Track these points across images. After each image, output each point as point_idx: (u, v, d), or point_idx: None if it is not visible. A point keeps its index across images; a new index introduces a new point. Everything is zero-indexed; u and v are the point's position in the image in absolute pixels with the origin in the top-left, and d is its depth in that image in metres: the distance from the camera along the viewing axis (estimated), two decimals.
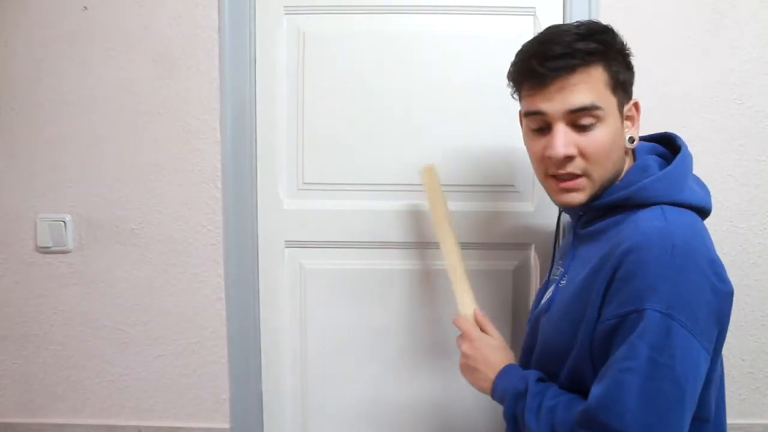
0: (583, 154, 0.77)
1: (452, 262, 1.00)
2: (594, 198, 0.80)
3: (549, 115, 0.78)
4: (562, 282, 0.85)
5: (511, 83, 0.84)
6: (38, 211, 1.23)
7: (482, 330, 0.93)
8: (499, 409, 0.84)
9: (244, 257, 1.24)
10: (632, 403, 0.65)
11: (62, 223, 1.22)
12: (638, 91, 1.18)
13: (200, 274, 1.23)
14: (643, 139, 0.90)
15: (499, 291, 1.25)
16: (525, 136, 0.86)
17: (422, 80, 1.22)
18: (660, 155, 0.85)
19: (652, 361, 0.65)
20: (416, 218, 1.24)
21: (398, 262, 1.25)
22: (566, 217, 0.97)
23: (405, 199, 1.23)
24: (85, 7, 1.20)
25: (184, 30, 1.20)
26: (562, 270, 0.87)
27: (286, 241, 1.26)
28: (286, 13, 1.22)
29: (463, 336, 0.92)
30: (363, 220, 1.24)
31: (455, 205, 1.23)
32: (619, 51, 0.79)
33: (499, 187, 1.23)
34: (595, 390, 0.68)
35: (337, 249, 1.26)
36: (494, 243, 1.24)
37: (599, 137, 0.77)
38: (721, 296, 0.70)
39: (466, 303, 0.97)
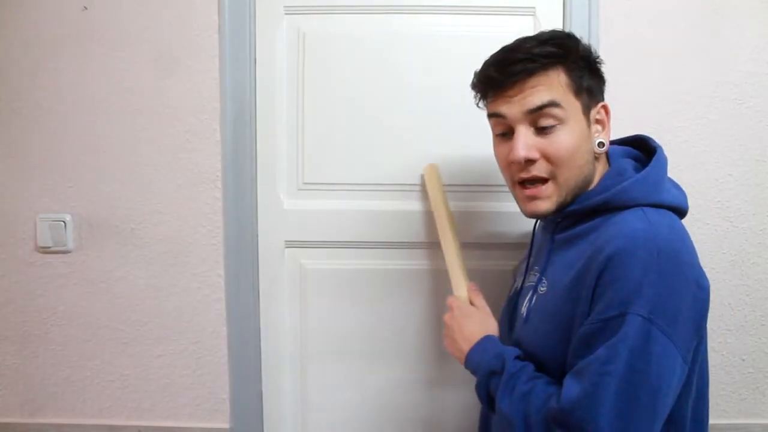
0: (546, 157, 0.77)
1: (450, 251, 1.01)
2: (562, 206, 0.80)
3: (509, 117, 0.79)
4: (541, 289, 0.83)
5: (476, 92, 0.85)
6: (38, 211, 1.23)
7: (472, 304, 0.93)
8: None
9: (244, 257, 1.24)
10: (607, 407, 0.65)
11: (62, 223, 1.22)
12: (638, 91, 1.20)
13: (200, 274, 1.23)
14: (615, 143, 0.89)
15: (499, 291, 1.25)
16: (493, 144, 0.86)
17: (422, 80, 1.22)
18: (634, 158, 0.84)
19: (630, 366, 0.65)
20: (416, 218, 1.23)
21: (398, 262, 1.25)
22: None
23: (405, 199, 1.24)
24: (85, 7, 1.20)
25: (184, 30, 1.20)
26: (539, 276, 0.85)
27: (286, 241, 1.26)
28: (286, 13, 1.22)
29: (449, 307, 0.94)
30: (363, 220, 1.24)
31: (455, 205, 1.23)
32: (582, 57, 0.79)
33: (499, 187, 1.22)
34: (573, 389, 0.68)
35: (337, 249, 1.26)
36: (494, 243, 1.24)
37: (562, 139, 0.77)
38: (700, 304, 0.71)
39: (461, 285, 0.97)
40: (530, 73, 0.76)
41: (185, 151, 1.21)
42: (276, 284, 1.27)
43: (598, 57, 0.82)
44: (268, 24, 1.22)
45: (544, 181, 0.79)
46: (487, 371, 0.80)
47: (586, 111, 0.79)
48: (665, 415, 0.68)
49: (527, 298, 0.86)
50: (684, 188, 1.17)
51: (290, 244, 1.26)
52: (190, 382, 1.25)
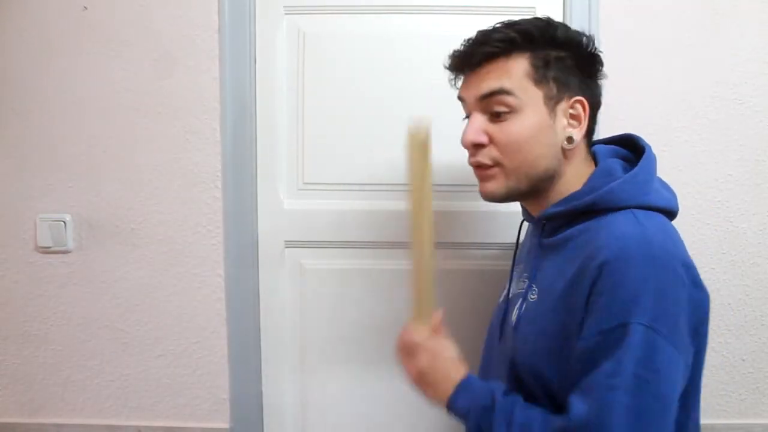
0: (494, 143, 0.77)
1: (423, 256, 0.88)
2: (515, 192, 0.79)
3: (466, 102, 0.81)
4: (531, 297, 0.80)
5: (449, 70, 0.85)
6: (38, 211, 1.23)
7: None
8: None
9: (244, 257, 1.24)
10: (619, 422, 0.63)
11: (62, 223, 1.22)
12: (638, 91, 1.20)
13: (200, 274, 1.23)
14: (602, 142, 0.87)
15: (498, 291, 1.25)
16: None
17: (422, 80, 1.21)
18: (622, 158, 0.82)
19: (637, 377, 0.63)
20: None
21: (398, 262, 1.25)
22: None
23: (405, 199, 1.23)
24: (85, 7, 1.20)
25: (184, 30, 1.20)
26: (528, 283, 0.82)
27: (286, 241, 1.26)
28: (286, 13, 1.22)
29: (418, 347, 0.82)
30: (363, 220, 1.24)
31: (456, 205, 1.24)
32: (558, 45, 0.76)
33: None
34: (580, 408, 0.65)
35: (337, 249, 1.26)
36: (493, 243, 1.24)
37: (512, 127, 0.76)
38: (697, 303, 0.69)
39: (425, 310, 0.85)
40: (487, 59, 0.76)
41: (185, 151, 1.21)
42: (276, 284, 1.27)
43: (591, 49, 0.79)
44: (268, 24, 1.22)
45: (490, 165, 0.79)
46: (479, 408, 0.74)
47: (550, 102, 0.76)
48: (673, 423, 0.67)
49: (517, 306, 0.83)
50: (684, 188, 1.18)
51: (290, 244, 1.26)
52: (190, 382, 1.25)
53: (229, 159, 1.21)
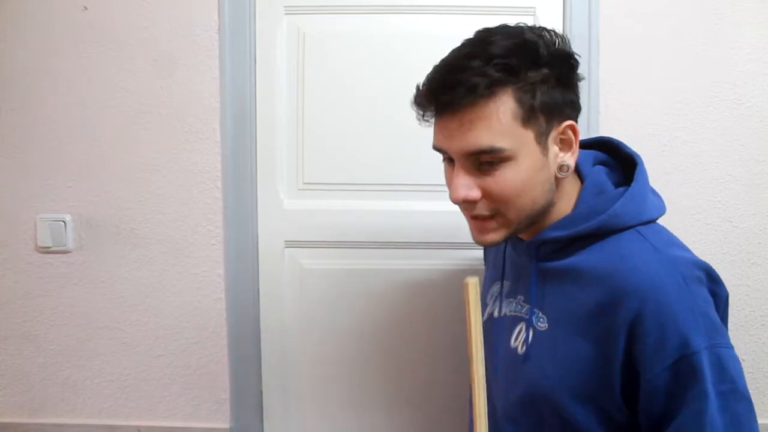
0: (488, 196, 0.70)
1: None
2: (515, 233, 0.74)
3: (449, 152, 0.71)
4: (540, 325, 0.75)
5: (417, 108, 0.74)
6: (38, 211, 1.23)
7: None
8: None
9: (244, 257, 1.24)
10: None
11: (62, 223, 1.22)
12: (638, 91, 1.20)
13: (200, 274, 1.23)
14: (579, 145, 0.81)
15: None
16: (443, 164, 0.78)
17: (422, 80, 1.21)
18: (601, 162, 0.79)
19: (721, 395, 0.64)
20: (416, 218, 1.23)
21: (398, 262, 1.25)
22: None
23: (405, 199, 1.24)
24: (85, 7, 1.20)
25: (184, 30, 1.20)
26: (529, 308, 0.77)
27: (286, 241, 1.26)
28: (286, 13, 1.22)
29: None
30: (363, 220, 1.24)
31: (448, 204, 1.23)
32: (544, 65, 0.68)
33: None
34: None
35: (337, 249, 1.26)
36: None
37: (507, 178, 0.68)
38: (722, 302, 0.71)
39: None
40: (469, 104, 0.67)
41: (185, 151, 1.21)
42: (276, 284, 1.26)
43: (571, 59, 0.71)
44: (268, 24, 1.22)
45: (489, 216, 0.72)
46: None
47: (541, 138, 0.69)
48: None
49: (519, 332, 0.78)
50: (684, 188, 1.19)
51: (290, 244, 1.26)
52: (190, 382, 1.25)
53: (229, 159, 1.21)
